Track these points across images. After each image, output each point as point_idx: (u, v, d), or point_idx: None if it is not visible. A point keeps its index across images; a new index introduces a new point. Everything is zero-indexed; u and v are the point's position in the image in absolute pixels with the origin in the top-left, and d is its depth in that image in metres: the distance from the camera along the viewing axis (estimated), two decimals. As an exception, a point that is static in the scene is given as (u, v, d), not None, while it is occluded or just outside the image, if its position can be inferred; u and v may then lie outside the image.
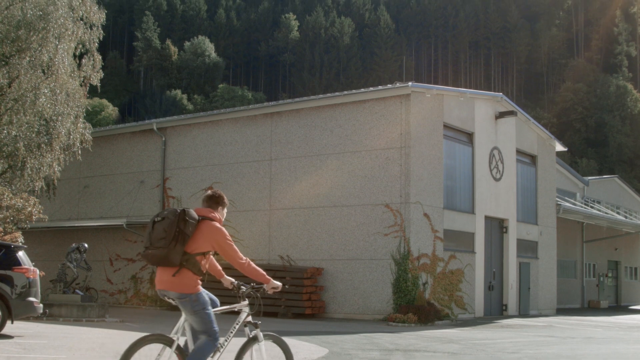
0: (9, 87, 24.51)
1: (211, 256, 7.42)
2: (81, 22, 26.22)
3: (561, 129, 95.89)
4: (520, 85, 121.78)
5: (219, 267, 7.66)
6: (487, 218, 30.34)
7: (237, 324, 7.52)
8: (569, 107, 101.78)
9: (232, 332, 7.43)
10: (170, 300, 7.18)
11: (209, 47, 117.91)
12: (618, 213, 49.39)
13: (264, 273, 7.40)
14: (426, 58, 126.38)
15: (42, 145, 25.13)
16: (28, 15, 24.14)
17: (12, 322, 15.34)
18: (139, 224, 31.51)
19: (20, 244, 20.08)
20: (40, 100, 24.17)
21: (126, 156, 33.45)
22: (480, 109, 30.27)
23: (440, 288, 26.84)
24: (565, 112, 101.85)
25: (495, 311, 30.82)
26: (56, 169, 25.85)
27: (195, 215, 7.18)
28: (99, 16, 26.74)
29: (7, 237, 22.37)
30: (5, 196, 23.27)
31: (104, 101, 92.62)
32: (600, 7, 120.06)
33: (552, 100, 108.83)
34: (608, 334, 22.87)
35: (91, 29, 26.68)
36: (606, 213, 45.76)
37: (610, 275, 49.89)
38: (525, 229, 33.12)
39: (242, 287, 7.60)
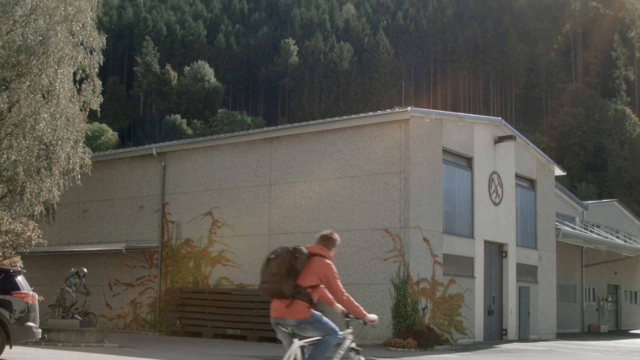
0: (9, 111, 24.51)
1: (322, 287, 8.28)
2: (81, 47, 26.19)
3: (560, 153, 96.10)
4: (519, 109, 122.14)
5: (330, 296, 8.39)
6: (486, 242, 30.29)
7: (342, 349, 8.37)
8: (567, 132, 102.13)
9: (337, 358, 8.25)
10: (284, 329, 8.03)
11: (209, 72, 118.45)
12: (617, 237, 49.34)
13: (362, 308, 8.30)
14: (425, 83, 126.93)
15: (42, 170, 25.07)
16: (28, 41, 24.16)
17: (10, 347, 15.29)
18: (138, 248, 31.49)
19: (20, 268, 20.03)
20: (40, 125, 24.15)
21: (125, 181, 33.45)
22: (479, 134, 30.33)
23: (440, 313, 26.75)
24: (564, 136, 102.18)
25: (495, 336, 30.70)
26: (56, 193, 25.77)
27: (305, 252, 8.18)
28: (99, 41, 26.74)
29: (6, 261, 22.34)
30: (4, 221, 23.25)
31: (104, 126, 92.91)
32: (598, 32, 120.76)
33: (551, 125, 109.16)
34: (608, 359, 22.78)
35: (91, 53, 26.67)
36: (605, 237, 45.72)
37: (610, 299, 49.74)
38: (525, 253, 33.07)
39: (349, 315, 8.38)
